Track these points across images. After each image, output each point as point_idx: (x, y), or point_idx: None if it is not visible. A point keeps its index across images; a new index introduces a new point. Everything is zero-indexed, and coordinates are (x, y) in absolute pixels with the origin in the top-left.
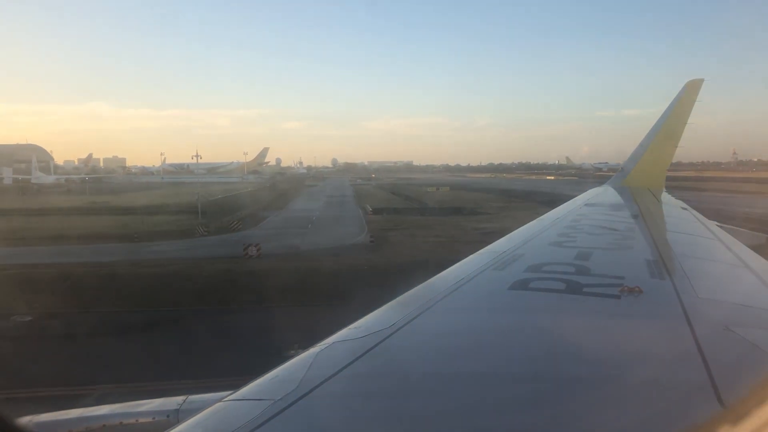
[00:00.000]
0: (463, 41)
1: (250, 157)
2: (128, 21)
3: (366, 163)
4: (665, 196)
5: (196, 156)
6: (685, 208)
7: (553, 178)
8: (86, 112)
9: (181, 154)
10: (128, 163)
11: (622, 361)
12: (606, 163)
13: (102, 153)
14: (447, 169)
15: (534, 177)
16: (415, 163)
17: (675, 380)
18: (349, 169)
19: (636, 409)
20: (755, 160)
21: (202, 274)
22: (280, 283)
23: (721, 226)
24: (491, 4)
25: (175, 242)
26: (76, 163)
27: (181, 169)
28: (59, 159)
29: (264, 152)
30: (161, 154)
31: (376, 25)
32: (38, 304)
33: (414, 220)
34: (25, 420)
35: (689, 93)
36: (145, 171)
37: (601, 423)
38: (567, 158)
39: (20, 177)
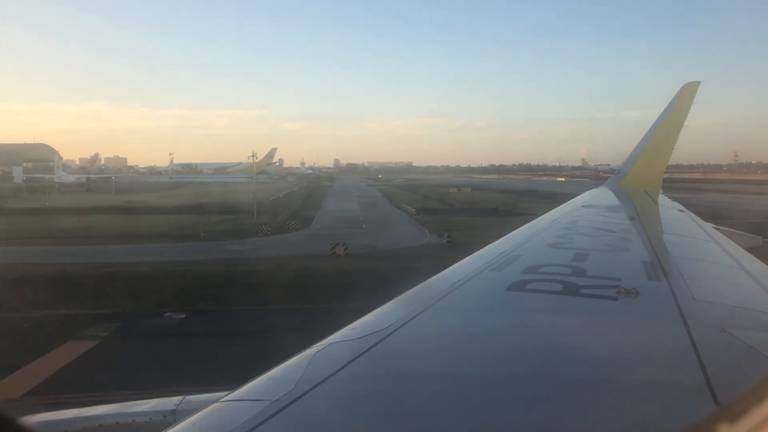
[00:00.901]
0: (462, 42)
1: (258, 158)
2: (127, 20)
3: (366, 164)
4: (662, 198)
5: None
6: (682, 210)
7: (563, 179)
8: (86, 111)
9: (180, 154)
10: (129, 163)
11: (618, 363)
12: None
13: (103, 152)
14: (448, 170)
15: (545, 178)
16: (415, 163)
17: (671, 382)
18: (351, 169)
19: (632, 410)
20: (754, 162)
21: (318, 272)
22: (399, 280)
23: (717, 228)
24: (491, 5)
25: (246, 241)
26: (78, 162)
27: (189, 168)
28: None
29: (272, 153)
30: (170, 154)
31: (374, 24)
32: (180, 301)
33: (464, 221)
34: (21, 419)
35: (686, 95)
36: (153, 170)
37: (597, 424)
38: (583, 160)
39: (44, 176)
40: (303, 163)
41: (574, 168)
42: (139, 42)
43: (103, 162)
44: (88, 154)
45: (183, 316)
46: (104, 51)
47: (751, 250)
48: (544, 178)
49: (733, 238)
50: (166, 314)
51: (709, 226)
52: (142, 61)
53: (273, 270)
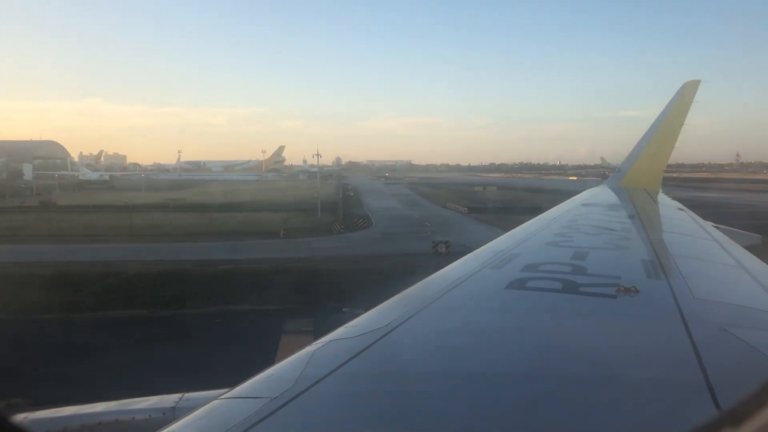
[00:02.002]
0: (460, 42)
1: (266, 155)
2: (125, 17)
3: (365, 162)
4: (662, 197)
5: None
6: (682, 209)
7: (575, 178)
8: (84, 108)
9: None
10: (128, 161)
11: (617, 361)
12: None
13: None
14: (449, 168)
15: (555, 177)
16: (414, 162)
17: (670, 380)
18: (353, 168)
19: (631, 409)
20: (756, 162)
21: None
22: None
23: (717, 227)
24: (491, 5)
25: (329, 238)
26: (76, 159)
27: (196, 166)
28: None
29: (280, 150)
30: (178, 152)
31: (372, 22)
32: (345, 297)
33: (523, 219)
34: (20, 417)
35: (686, 94)
36: (161, 168)
37: (596, 423)
38: (602, 158)
39: (73, 173)
40: (305, 161)
41: (578, 167)
42: (137, 39)
43: (102, 159)
44: (87, 152)
45: (361, 312)
46: (102, 48)
47: (751, 248)
48: (555, 177)
49: (733, 236)
50: (344, 309)
51: (709, 225)
52: (140, 59)
53: (403, 266)
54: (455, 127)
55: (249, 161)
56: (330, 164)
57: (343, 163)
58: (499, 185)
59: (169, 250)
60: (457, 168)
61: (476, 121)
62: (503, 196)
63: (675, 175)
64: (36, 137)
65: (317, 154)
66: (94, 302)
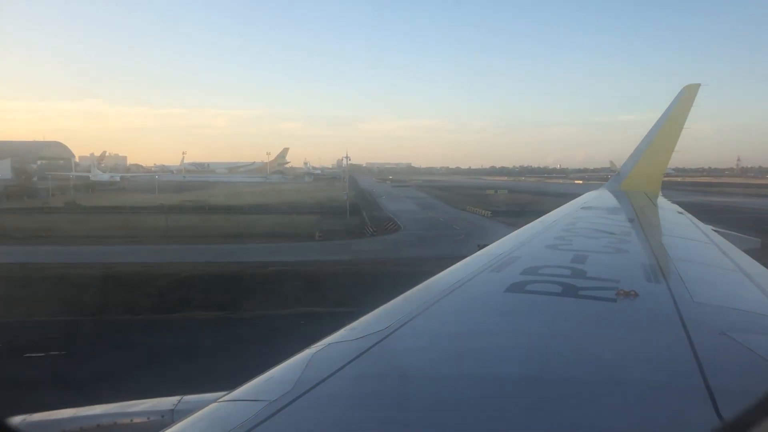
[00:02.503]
0: (460, 46)
1: (270, 157)
2: (126, 18)
3: (365, 165)
4: (661, 200)
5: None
6: (681, 212)
7: (581, 182)
8: (84, 109)
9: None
10: (129, 162)
11: (616, 365)
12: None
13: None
14: (449, 171)
15: (561, 181)
16: (414, 164)
17: (669, 384)
18: (355, 170)
19: (630, 413)
20: (755, 166)
21: None
22: None
23: (716, 230)
24: (491, 9)
25: (365, 241)
26: (77, 159)
27: (201, 167)
28: None
29: (284, 152)
30: (183, 153)
31: (372, 25)
32: None
33: None
34: (17, 420)
35: (686, 97)
36: (165, 169)
37: (594, 427)
38: (611, 162)
39: (74, 174)
40: (306, 163)
41: (579, 170)
42: (138, 40)
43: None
44: (87, 152)
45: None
46: (103, 49)
47: (751, 252)
48: (560, 181)
49: (733, 240)
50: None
51: (708, 229)
52: (141, 60)
53: None
54: (455, 130)
55: (253, 163)
56: (330, 166)
57: (344, 165)
58: (508, 188)
59: (210, 251)
60: (458, 171)
61: (475, 124)
62: (518, 199)
63: (679, 179)
64: (37, 137)
65: (306, 162)
66: (166, 304)
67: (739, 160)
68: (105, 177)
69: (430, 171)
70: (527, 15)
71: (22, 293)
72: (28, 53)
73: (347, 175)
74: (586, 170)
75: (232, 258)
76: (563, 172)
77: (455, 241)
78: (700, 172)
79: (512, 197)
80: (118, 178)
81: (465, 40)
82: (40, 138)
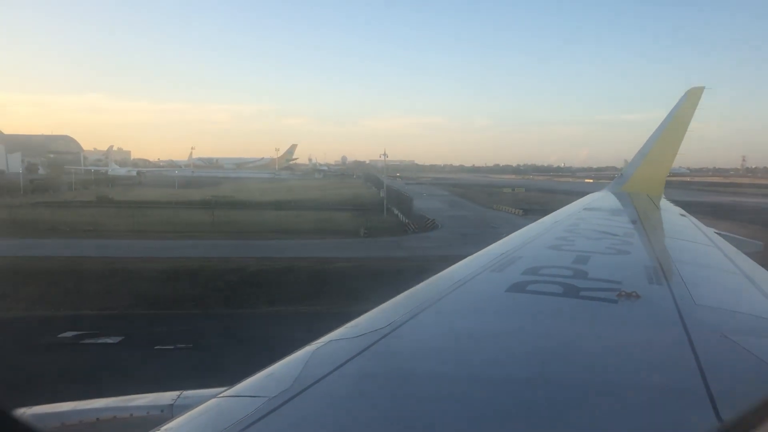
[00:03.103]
0: (463, 44)
1: (278, 153)
2: (128, 11)
3: (368, 162)
4: (664, 203)
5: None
6: (684, 215)
7: (591, 180)
8: (86, 103)
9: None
10: (132, 156)
11: (617, 366)
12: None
13: (105, 145)
14: (453, 169)
15: (572, 179)
16: (417, 162)
17: (670, 387)
18: (359, 167)
19: (630, 415)
20: (758, 167)
21: None
22: None
23: (719, 234)
24: (495, 8)
25: (410, 238)
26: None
27: (209, 163)
28: None
29: (292, 149)
30: (192, 148)
31: (375, 20)
32: None
33: None
34: (18, 412)
35: (690, 100)
36: (173, 164)
37: (595, 428)
38: (625, 161)
39: (103, 168)
40: (311, 160)
41: (583, 169)
42: (140, 34)
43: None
44: (91, 146)
45: None
46: (105, 43)
47: (753, 255)
48: (570, 180)
49: (735, 243)
50: None
51: (711, 231)
52: (143, 54)
53: None
54: (458, 128)
55: (262, 159)
56: (333, 163)
57: (349, 162)
58: (519, 187)
59: (264, 247)
60: (462, 169)
61: (478, 122)
62: (539, 198)
63: (688, 179)
64: (39, 131)
65: (310, 158)
66: (251, 297)
67: (744, 160)
68: (122, 171)
69: (434, 168)
70: (533, 12)
71: (101, 287)
72: (31, 47)
73: (360, 172)
74: (590, 169)
75: (289, 253)
76: (568, 171)
77: (499, 238)
78: (705, 172)
79: (531, 196)
80: (134, 173)
81: (469, 38)
82: (42, 132)
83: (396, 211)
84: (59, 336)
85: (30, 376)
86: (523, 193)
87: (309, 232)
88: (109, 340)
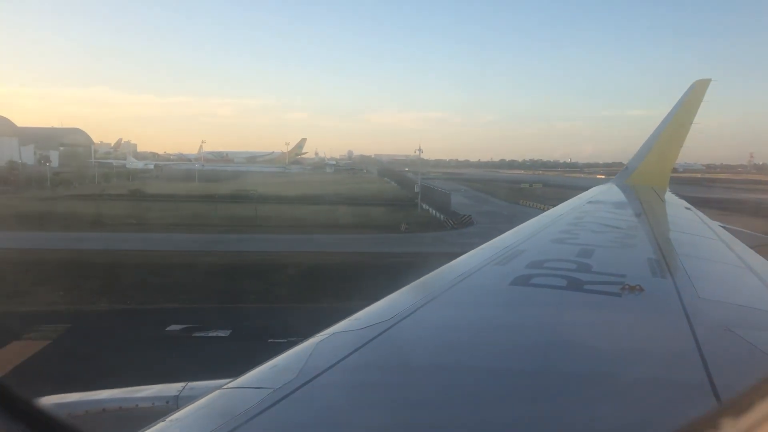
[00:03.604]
0: (469, 37)
1: (288, 148)
2: (133, 5)
3: (373, 156)
4: (669, 196)
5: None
6: (689, 208)
7: (603, 176)
8: (90, 96)
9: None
10: (138, 149)
11: (621, 359)
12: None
13: (112, 138)
14: (459, 164)
15: (583, 175)
16: (422, 157)
17: (674, 379)
18: (365, 161)
19: (634, 407)
20: (765, 163)
21: None
22: None
23: (724, 227)
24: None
25: (453, 233)
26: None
27: (219, 157)
28: None
29: (302, 143)
30: (202, 142)
31: (381, 16)
32: None
33: None
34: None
35: (696, 93)
36: (183, 158)
37: (598, 420)
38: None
39: (122, 162)
40: (317, 154)
41: (589, 165)
42: (142, 27)
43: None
44: (97, 139)
45: None
46: (109, 36)
47: (758, 249)
48: (581, 175)
49: (740, 236)
50: None
51: (716, 225)
52: (147, 47)
53: None
54: (462, 123)
55: (272, 153)
56: (338, 157)
57: (356, 156)
58: (539, 182)
59: (311, 241)
60: (468, 164)
61: (483, 117)
62: (559, 194)
63: (698, 175)
64: (44, 124)
65: (317, 153)
66: (318, 291)
67: (752, 156)
68: (140, 165)
69: (439, 163)
70: (537, 7)
71: (173, 281)
72: (35, 39)
73: (367, 166)
74: (596, 165)
75: (339, 248)
76: (575, 166)
77: None
78: (711, 168)
79: (551, 192)
80: (152, 166)
81: (474, 33)
82: (52, 124)
83: (426, 207)
84: (167, 330)
85: (170, 371)
86: (542, 189)
87: (348, 227)
88: (220, 333)
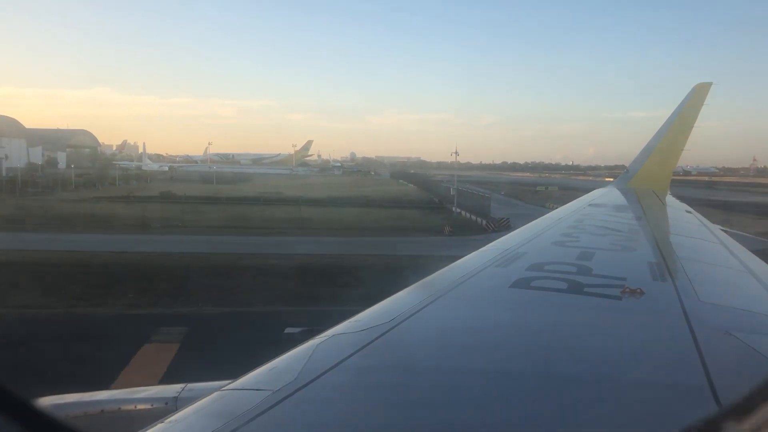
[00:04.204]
0: (469, 40)
1: (294, 149)
2: (136, 6)
3: (374, 158)
4: (669, 199)
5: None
6: (689, 211)
7: (611, 179)
8: (92, 97)
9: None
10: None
11: (621, 362)
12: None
13: (114, 140)
14: (462, 166)
15: (590, 177)
16: (423, 158)
17: (674, 383)
18: (367, 163)
19: (633, 410)
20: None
21: None
22: None
23: (725, 231)
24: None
25: (497, 236)
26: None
27: (225, 159)
28: None
29: (308, 145)
30: (209, 143)
31: (381, 18)
32: None
33: None
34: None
35: (697, 96)
36: (189, 159)
37: (598, 423)
38: None
39: (138, 164)
40: (319, 156)
41: (591, 168)
42: (144, 28)
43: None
44: (100, 140)
45: None
46: (110, 37)
47: (759, 252)
48: (589, 178)
49: (741, 240)
50: None
51: (717, 228)
52: (148, 50)
53: None
54: (463, 125)
55: (279, 154)
56: (340, 159)
57: (358, 158)
58: (551, 185)
59: (365, 243)
60: (470, 166)
61: (484, 119)
62: (578, 197)
63: (706, 178)
64: (46, 125)
65: (319, 155)
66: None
67: (755, 159)
68: (155, 167)
69: (441, 165)
70: (538, 9)
71: (257, 283)
72: (36, 40)
73: (372, 168)
74: (598, 167)
75: (400, 251)
76: (577, 169)
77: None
78: (713, 171)
79: (569, 194)
80: (166, 168)
81: (475, 35)
82: (68, 126)
83: (456, 209)
84: (285, 332)
85: None
86: (558, 192)
87: (390, 229)
88: None
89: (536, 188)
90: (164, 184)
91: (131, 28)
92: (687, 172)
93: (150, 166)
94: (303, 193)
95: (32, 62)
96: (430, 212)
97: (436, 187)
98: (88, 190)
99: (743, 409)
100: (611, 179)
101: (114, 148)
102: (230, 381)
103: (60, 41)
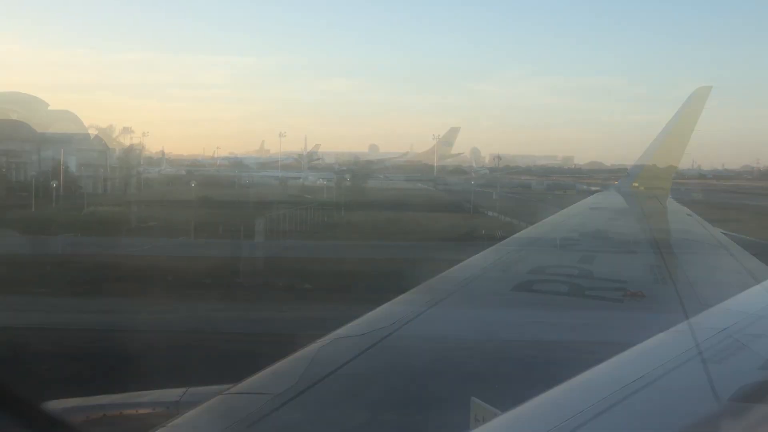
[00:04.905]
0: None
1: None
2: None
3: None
4: (670, 202)
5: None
6: (690, 215)
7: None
8: (93, 99)
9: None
10: (144, 154)
11: (622, 365)
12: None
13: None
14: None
15: (598, 180)
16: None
17: (674, 386)
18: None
19: (635, 414)
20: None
21: None
22: None
23: (725, 234)
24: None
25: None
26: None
27: (233, 162)
28: None
29: (315, 149)
30: (216, 147)
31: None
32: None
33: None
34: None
35: (697, 100)
36: (197, 163)
37: (600, 425)
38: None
39: (156, 168)
40: (322, 159)
41: (593, 171)
42: (145, 27)
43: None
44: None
45: None
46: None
47: (758, 255)
48: (597, 181)
49: (740, 243)
50: None
51: (717, 231)
52: (148, 50)
53: None
54: (462, 126)
55: (286, 158)
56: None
57: (362, 160)
58: (572, 188)
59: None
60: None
61: (483, 122)
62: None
63: (714, 182)
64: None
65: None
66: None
67: (758, 161)
68: (172, 170)
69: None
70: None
71: (366, 286)
72: (37, 40)
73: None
74: (599, 170)
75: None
76: (578, 171)
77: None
78: (713, 173)
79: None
80: (183, 172)
81: (474, 35)
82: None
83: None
84: None
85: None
86: (576, 196)
87: (442, 236)
88: None
89: (555, 192)
90: (184, 187)
91: (130, 28)
92: (702, 176)
93: (168, 170)
94: (334, 197)
95: (30, 62)
96: (463, 216)
97: (447, 188)
98: (123, 195)
99: (742, 411)
100: (617, 182)
101: (126, 149)
102: (232, 385)
103: (59, 42)
